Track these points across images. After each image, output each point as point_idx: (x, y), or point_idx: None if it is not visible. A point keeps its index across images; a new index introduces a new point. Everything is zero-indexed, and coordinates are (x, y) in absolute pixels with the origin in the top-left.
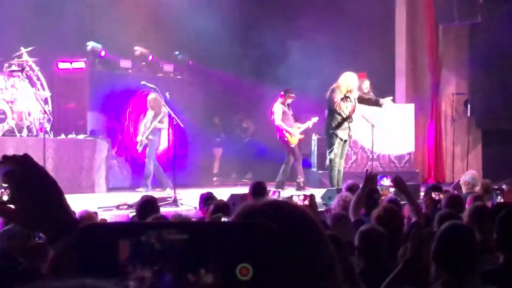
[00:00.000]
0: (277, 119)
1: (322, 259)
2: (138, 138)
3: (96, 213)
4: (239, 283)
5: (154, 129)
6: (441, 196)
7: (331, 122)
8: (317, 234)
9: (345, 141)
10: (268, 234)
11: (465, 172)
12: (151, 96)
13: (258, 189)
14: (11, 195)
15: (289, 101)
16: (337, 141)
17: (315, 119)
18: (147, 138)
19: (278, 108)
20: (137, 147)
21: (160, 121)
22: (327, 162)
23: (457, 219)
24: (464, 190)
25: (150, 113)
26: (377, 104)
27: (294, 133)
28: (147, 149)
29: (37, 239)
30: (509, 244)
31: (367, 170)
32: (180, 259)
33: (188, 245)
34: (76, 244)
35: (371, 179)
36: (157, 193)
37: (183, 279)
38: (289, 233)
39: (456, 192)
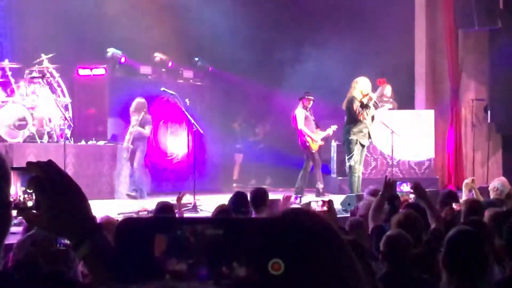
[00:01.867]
0: (300, 123)
1: (346, 262)
2: (124, 145)
3: (117, 219)
4: (271, 277)
5: (140, 136)
6: (461, 206)
7: (350, 129)
8: (338, 240)
9: (364, 146)
10: (299, 231)
11: (495, 178)
12: (140, 100)
13: (259, 197)
14: (35, 201)
15: (309, 105)
16: (357, 147)
17: (334, 127)
18: (132, 143)
19: (300, 113)
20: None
21: (142, 127)
22: (347, 168)
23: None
24: (492, 195)
25: (135, 119)
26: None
27: (316, 138)
28: (137, 156)
29: (59, 245)
30: None
31: (386, 176)
32: (214, 253)
33: (222, 240)
34: (100, 248)
35: (390, 185)
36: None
37: (217, 272)
38: (310, 237)
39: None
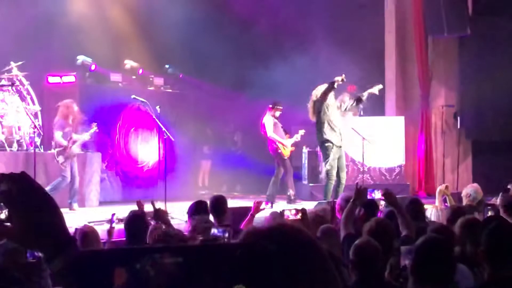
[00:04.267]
0: (269, 131)
1: (326, 284)
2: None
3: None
4: None
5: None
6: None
7: (322, 132)
8: (323, 260)
9: (340, 147)
10: (261, 255)
11: (465, 184)
12: (67, 101)
13: (218, 205)
14: (8, 214)
15: (277, 113)
16: (333, 150)
17: (302, 132)
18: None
19: (269, 120)
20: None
21: (77, 131)
22: (324, 175)
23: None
24: (464, 202)
25: (69, 122)
26: (359, 100)
27: (287, 144)
28: (75, 163)
29: (31, 258)
30: (496, 257)
31: (357, 183)
32: (174, 284)
33: (182, 268)
34: (73, 262)
35: (361, 192)
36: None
37: None
38: (294, 257)
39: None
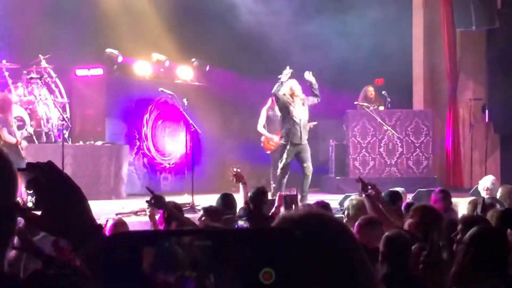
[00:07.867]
0: (259, 125)
1: (357, 269)
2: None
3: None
4: (262, 287)
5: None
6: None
7: (283, 131)
8: (354, 246)
9: (298, 144)
10: (290, 240)
11: (483, 177)
12: (3, 94)
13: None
14: (36, 202)
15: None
16: (287, 150)
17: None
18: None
19: (262, 113)
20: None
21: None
22: (278, 170)
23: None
24: (484, 195)
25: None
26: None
27: (272, 138)
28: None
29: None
30: None
31: (359, 177)
32: (203, 265)
33: (211, 251)
34: (101, 250)
35: (364, 184)
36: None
37: (206, 285)
38: (326, 242)
39: (474, 197)
